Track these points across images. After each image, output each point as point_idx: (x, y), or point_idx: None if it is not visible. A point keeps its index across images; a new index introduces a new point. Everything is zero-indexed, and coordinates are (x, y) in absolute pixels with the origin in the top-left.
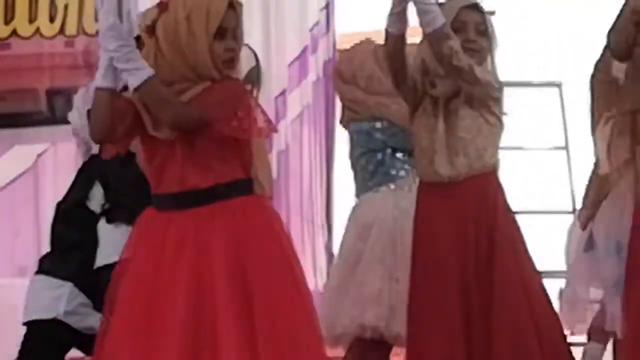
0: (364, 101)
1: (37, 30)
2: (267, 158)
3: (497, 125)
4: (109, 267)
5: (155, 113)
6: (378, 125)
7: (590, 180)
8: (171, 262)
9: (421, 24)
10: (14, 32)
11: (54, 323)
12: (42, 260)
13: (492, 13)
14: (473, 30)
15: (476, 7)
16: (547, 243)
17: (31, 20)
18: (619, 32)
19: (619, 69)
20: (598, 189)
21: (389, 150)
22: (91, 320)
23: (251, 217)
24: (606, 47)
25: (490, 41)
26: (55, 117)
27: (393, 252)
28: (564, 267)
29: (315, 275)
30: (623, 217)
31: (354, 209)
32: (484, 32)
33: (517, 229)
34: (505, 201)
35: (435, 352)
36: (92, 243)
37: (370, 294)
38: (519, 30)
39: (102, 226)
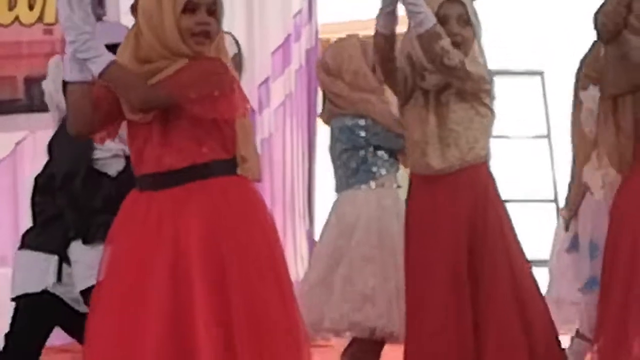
0: (349, 96)
1: (17, 18)
2: (253, 140)
3: (489, 116)
4: (91, 289)
5: (122, 97)
6: (362, 122)
7: (572, 176)
8: (152, 242)
9: (412, 26)
10: None
11: (44, 296)
12: (25, 235)
13: None
14: (455, 23)
15: None
16: (529, 231)
17: (10, 8)
18: (609, 13)
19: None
20: (577, 187)
21: (371, 148)
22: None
23: (229, 198)
24: (595, 43)
25: (475, 29)
26: (34, 104)
27: (381, 252)
28: (545, 256)
29: (297, 265)
30: (602, 217)
31: (335, 204)
32: (467, 21)
33: (508, 220)
34: (496, 192)
35: (429, 344)
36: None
37: (363, 293)
38: (501, 19)
39: (77, 247)
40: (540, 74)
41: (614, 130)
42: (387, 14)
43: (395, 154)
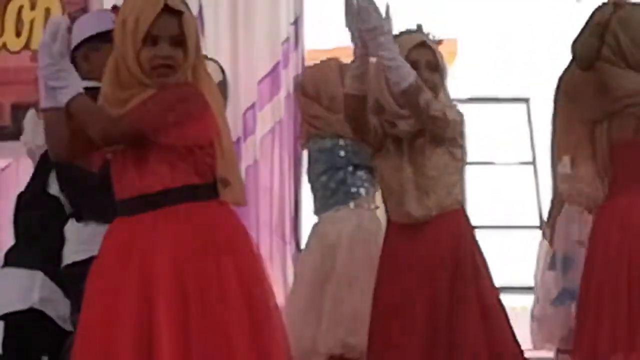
0: (327, 118)
1: (4, 45)
2: (236, 163)
3: (460, 158)
4: (75, 265)
5: (85, 129)
6: (341, 142)
7: (554, 196)
8: (120, 271)
9: (393, 82)
10: None
11: (31, 313)
12: (8, 253)
13: (439, 42)
14: (425, 68)
15: (425, 44)
16: (514, 258)
17: None
18: (584, 43)
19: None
20: (558, 204)
21: (350, 168)
22: (65, 308)
23: (197, 224)
24: (573, 60)
25: (442, 74)
26: (20, 131)
27: (364, 272)
28: (531, 283)
29: (285, 292)
30: (574, 226)
31: (315, 227)
32: (436, 67)
33: (487, 269)
34: (474, 238)
35: None
36: (57, 227)
37: (354, 315)
38: (486, 46)
39: (71, 225)
40: (526, 100)
41: (590, 154)
42: (358, 76)
43: (374, 172)
